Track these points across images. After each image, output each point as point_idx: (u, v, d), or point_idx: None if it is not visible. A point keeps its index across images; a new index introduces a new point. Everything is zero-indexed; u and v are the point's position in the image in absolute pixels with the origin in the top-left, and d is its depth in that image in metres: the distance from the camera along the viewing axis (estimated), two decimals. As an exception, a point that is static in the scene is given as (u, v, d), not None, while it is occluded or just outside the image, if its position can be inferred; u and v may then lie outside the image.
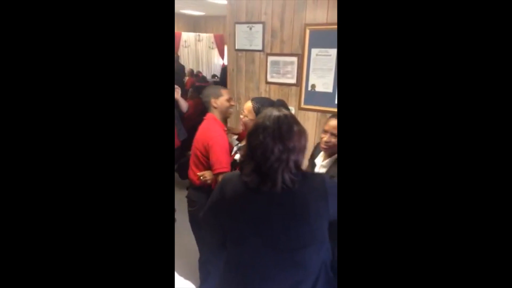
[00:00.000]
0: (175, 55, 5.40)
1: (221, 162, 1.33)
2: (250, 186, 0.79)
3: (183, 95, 3.86)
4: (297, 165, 0.78)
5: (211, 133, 1.39)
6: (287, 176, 0.76)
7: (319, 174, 0.91)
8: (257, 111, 1.32)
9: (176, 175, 3.09)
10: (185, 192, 3.18)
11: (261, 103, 1.34)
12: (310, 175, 0.84)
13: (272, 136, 0.75)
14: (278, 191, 0.76)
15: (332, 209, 0.78)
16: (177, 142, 2.60)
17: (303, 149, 0.79)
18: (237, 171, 0.89)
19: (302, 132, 0.80)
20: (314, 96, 2.03)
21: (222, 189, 0.86)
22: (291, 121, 0.79)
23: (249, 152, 0.79)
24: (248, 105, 1.36)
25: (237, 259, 0.86)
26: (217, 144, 1.35)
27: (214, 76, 6.48)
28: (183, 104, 2.28)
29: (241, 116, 1.40)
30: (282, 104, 1.34)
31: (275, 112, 0.80)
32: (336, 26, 1.80)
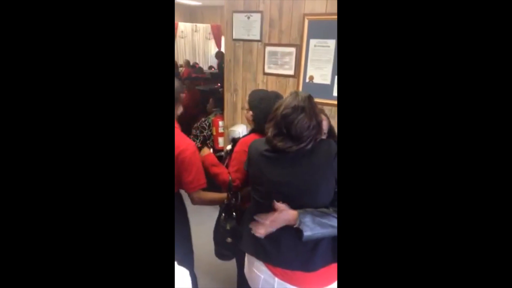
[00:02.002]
0: None
1: (199, 179, 1.23)
2: (276, 149, 0.93)
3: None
4: (320, 133, 0.94)
5: (183, 142, 1.20)
6: (312, 142, 0.92)
7: (327, 140, 1.01)
8: (250, 103, 1.31)
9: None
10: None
11: (252, 93, 1.34)
12: (320, 140, 0.97)
13: (307, 114, 0.89)
14: (290, 152, 0.91)
15: (336, 167, 0.90)
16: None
17: (321, 121, 0.95)
18: (262, 138, 1.03)
19: (319, 109, 0.96)
20: (311, 88, 2.01)
21: (248, 154, 1.05)
22: (312, 99, 0.94)
23: (284, 130, 0.91)
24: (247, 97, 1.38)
25: (249, 213, 1.04)
26: (194, 157, 1.19)
27: (210, 67, 6.42)
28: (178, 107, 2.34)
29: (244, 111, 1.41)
30: (277, 95, 1.33)
31: (302, 94, 0.93)
32: (335, 17, 1.77)
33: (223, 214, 1.32)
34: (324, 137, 1.10)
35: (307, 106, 0.91)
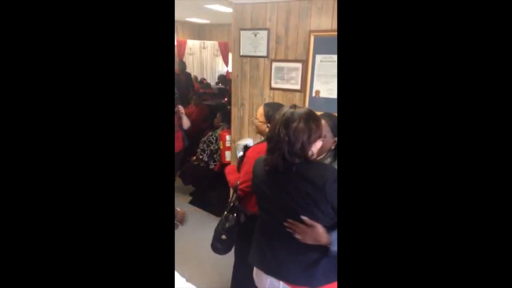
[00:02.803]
0: (182, 63, 5.42)
1: None
2: (265, 166, 0.97)
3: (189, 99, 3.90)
4: (295, 153, 0.90)
5: None
6: (285, 161, 0.90)
7: (322, 164, 0.99)
8: (267, 115, 1.39)
9: (179, 180, 3.10)
10: (188, 198, 3.17)
11: (272, 108, 1.41)
12: (312, 162, 0.94)
13: (277, 128, 0.91)
14: (279, 170, 0.92)
15: (330, 196, 0.87)
16: (180, 146, 2.62)
17: (304, 142, 0.90)
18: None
19: (301, 129, 0.90)
20: (318, 102, 2.03)
21: (253, 168, 1.07)
22: (295, 117, 0.91)
23: (267, 139, 0.96)
24: (260, 110, 1.45)
25: (256, 226, 1.09)
26: None
27: (218, 83, 6.54)
28: (185, 122, 2.41)
29: (255, 120, 1.47)
30: (294, 107, 1.38)
31: (286, 109, 0.94)
32: (340, 33, 1.81)
33: (225, 213, 1.41)
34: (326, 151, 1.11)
35: (281, 120, 0.90)
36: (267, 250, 1.02)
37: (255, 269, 1.12)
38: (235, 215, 1.40)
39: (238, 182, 1.36)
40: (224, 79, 5.61)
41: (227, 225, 1.39)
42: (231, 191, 1.45)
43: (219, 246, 1.43)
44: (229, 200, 1.44)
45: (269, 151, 0.94)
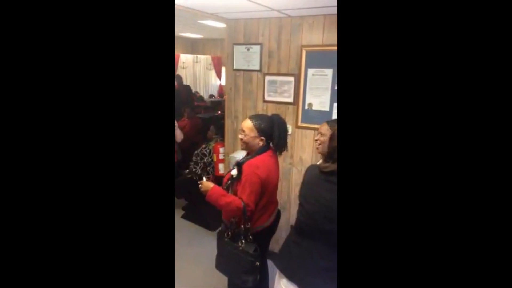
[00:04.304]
0: (178, 77, 5.44)
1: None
2: (322, 170, 1.04)
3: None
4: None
5: None
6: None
7: None
8: (259, 128, 1.33)
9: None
10: (181, 212, 3.11)
11: (262, 120, 1.36)
12: None
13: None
14: (335, 174, 0.99)
15: None
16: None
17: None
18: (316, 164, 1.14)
19: None
20: (311, 115, 2.06)
21: (304, 176, 1.15)
22: None
23: (331, 151, 1.06)
24: (248, 124, 1.36)
25: (293, 234, 1.14)
26: None
27: (211, 96, 6.58)
28: (178, 135, 2.41)
29: (241, 136, 1.38)
30: (278, 117, 1.37)
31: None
32: (331, 48, 1.86)
33: (243, 241, 1.27)
34: None
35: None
36: (299, 258, 1.05)
37: (276, 281, 1.14)
38: (251, 237, 1.30)
39: (244, 204, 1.25)
40: (218, 103, 5.54)
41: (251, 250, 1.26)
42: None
43: (250, 279, 1.26)
44: (236, 224, 1.32)
45: (329, 156, 1.02)
